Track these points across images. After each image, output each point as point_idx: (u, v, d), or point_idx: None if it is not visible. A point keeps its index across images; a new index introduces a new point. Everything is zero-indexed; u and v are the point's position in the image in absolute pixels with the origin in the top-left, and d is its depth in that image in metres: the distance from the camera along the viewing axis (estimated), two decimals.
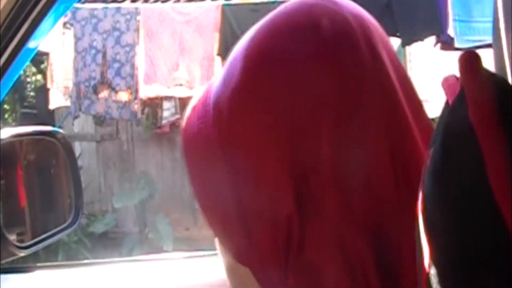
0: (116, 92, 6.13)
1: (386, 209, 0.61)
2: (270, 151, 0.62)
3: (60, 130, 1.52)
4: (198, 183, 0.68)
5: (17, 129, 1.41)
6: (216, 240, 0.70)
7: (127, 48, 6.06)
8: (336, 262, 0.61)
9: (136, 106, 6.15)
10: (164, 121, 7.46)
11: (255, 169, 0.62)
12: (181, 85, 5.99)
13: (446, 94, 0.57)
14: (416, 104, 0.66)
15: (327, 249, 0.61)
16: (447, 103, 0.57)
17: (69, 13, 6.11)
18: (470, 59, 0.48)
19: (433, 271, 0.44)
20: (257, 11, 5.37)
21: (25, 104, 9.18)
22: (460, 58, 0.49)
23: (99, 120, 6.89)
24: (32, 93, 9.31)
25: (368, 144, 0.61)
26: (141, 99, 6.16)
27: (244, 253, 0.65)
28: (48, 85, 6.74)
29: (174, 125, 7.74)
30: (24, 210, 1.46)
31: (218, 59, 5.90)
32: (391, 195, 0.61)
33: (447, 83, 0.59)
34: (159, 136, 7.91)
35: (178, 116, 7.48)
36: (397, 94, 0.63)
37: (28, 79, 9.22)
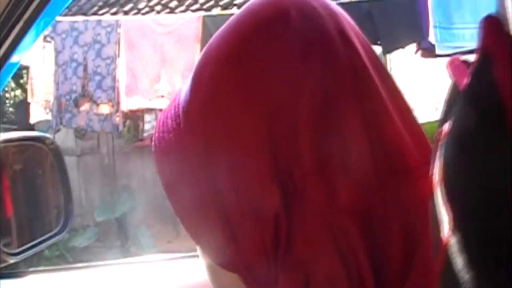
0: (98, 105, 6.10)
1: (371, 196, 0.60)
2: (250, 151, 0.61)
3: (49, 136, 1.50)
4: (176, 194, 0.66)
5: (5, 135, 1.39)
6: (199, 249, 0.68)
7: (108, 61, 6.04)
8: (328, 253, 0.60)
9: (118, 119, 6.13)
10: (145, 134, 7.44)
11: (237, 172, 0.61)
12: (162, 96, 5.97)
13: (453, 75, 0.57)
14: (396, 95, 0.65)
15: (317, 240, 0.60)
16: (454, 84, 0.57)
17: (49, 27, 6.09)
18: (493, 22, 0.48)
19: (453, 240, 0.44)
20: None
21: (4, 119, 9.12)
22: (483, 22, 0.48)
23: (80, 134, 6.85)
24: (11, 109, 9.25)
25: (345, 131, 0.60)
26: (122, 112, 6.13)
27: (231, 260, 0.64)
28: (29, 99, 6.69)
29: None
30: (12, 217, 1.44)
31: None
32: (374, 182, 0.60)
33: (453, 64, 0.58)
34: (140, 149, 7.88)
35: None
36: (373, 80, 0.63)
37: (7, 94, 9.16)
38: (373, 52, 0.66)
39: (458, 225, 0.44)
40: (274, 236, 0.61)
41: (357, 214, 0.60)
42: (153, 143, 0.67)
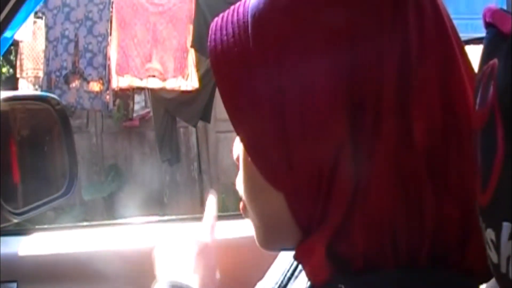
0: (88, 82, 6.06)
1: (440, 146, 0.61)
2: (328, 73, 0.60)
3: (55, 96, 1.49)
4: (236, 96, 0.65)
5: (9, 93, 1.38)
6: (241, 152, 0.68)
7: (100, 38, 6.00)
8: (391, 193, 0.60)
9: (108, 97, 6.10)
10: (135, 114, 7.43)
11: (307, 88, 0.60)
12: (153, 76, 5.95)
13: (494, 20, 0.58)
14: (467, 62, 0.67)
15: (382, 179, 0.60)
16: (491, 31, 0.58)
17: (41, 2, 6.04)
18: None
19: (508, 164, 0.45)
20: (232, 3, 5.34)
21: None
22: None
23: (69, 111, 6.81)
24: None
25: (423, 89, 0.61)
26: (113, 90, 6.10)
27: (281, 177, 0.63)
28: (18, 75, 6.64)
29: (143, 118, 7.71)
30: (18, 177, 1.43)
31: (191, 51, 5.87)
32: (442, 134, 0.62)
33: (490, 11, 0.60)
34: (129, 129, 7.86)
35: (148, 109, 7.44)
36: (453, 47, 0.65)
37: None
38: (451, 19, 0.67)
39: None
40: (332, 166, 0.60)
41: (425, 148, 0.61)
42: (208, 46, 0.66)
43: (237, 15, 0.66)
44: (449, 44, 0.64)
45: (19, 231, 1.46)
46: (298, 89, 0.61)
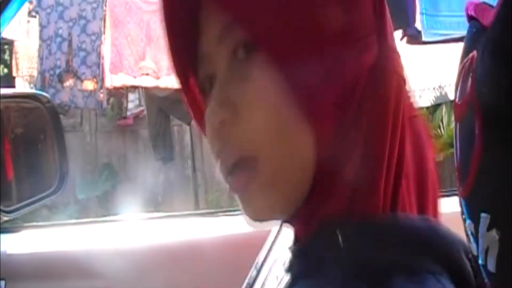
0: (82, 81, 6.05)
1: None
2: None
3: (45, 94, 1.50)
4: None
5: (1, 90, 1.38)
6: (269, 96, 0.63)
7: (93, 37, 5.99)
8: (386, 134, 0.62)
9: (102, 95, 6.09)
10: (128, 113, 7.43)
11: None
12: (147, 74, 5.94)
13: (475, 13, 0.59)
14: None
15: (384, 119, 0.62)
16: (473, 23, 0.59)
17: (34, 1, 6.03)
18: None
19: (486, 154, 0.45)
20: None
21: None
22: None
23: (63, 110, 6.80)
24: None
25: None
26: (106, 89, 6.10)
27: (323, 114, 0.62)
28: (14, 74, 6.64)
29: (137, 117, 7.71)
30: (10, 175, 1.44)
31: None
32: None
33: (472, 5, 0.60)
34: (122, 127, 7.86)
35: (142, 108, 7.45)
36: None
37: None
38: None
39: (492, 138, 0.45)
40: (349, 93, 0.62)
41: None
42: None
43: None
44: None
45: (6, 229, 1.46)
46: None
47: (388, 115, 0.62)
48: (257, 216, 0.67)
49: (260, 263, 0.86)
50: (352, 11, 0.64)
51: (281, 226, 0.86)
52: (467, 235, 0.55)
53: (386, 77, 0.63)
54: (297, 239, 0.68)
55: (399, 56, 0.67)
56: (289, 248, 0.68)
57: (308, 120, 0.61)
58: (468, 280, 0.59)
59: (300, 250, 0.65)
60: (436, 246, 0.59)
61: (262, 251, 0.92)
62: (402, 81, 0.66)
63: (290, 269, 0.65)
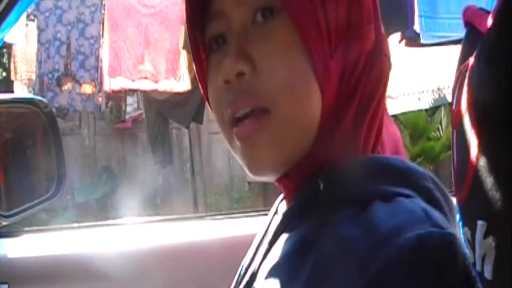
0: (80, 84, 6.05)
1: None
2: None
3: (42, 99, 1.50)
4: None
5: None
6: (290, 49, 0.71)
7: (92, 40, 5.99)
8: None
9: (100, 99, 6.09)
10: (127, 116, 7.42)
11: None
12: (146, 78, 5.94)
13: (472, 19, 0.59)
14: None
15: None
16: (470, 29, 0.59)
17: (32, 4, 6.02)
18: None
19: (482, 161, 0.45)
20: None
21: None
22: None
23: (62, 113, 6.79)
24: None
25: None
26: (105, 92, 6.09)
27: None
28: (12, 77, 6.63)
29: (136, 120, 7.70)
30: (7, 180, 1.44)
31: (183, 52, 5.86)
32: None
33: (469, 10, 0.60)
34: (121, 131, 7.86)
35: (140, 111, 7.44)
36: None
37: None
38: None
39: (488, 146, 0.45)
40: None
41: None
42: None
43: None
44: None
45: (8, 233, 1.46)
46: None
47: (377, 92, 0.70)
48: (260, 165, 0.72)
49: None
50: (360, 2, 0.73)
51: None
52: (464, 242, 0.54)
53: (380, 60, 0.71)
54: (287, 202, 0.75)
55: (388, 42, 0.75)
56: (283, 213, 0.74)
57: (318, 85, 0.69)
58: (437, 204, 0.63)
59: (291, 208, 0.72)
60: (407, 176, 0.65)
61: None
62: (390, 64, 0.73)
63: (282, 225, 0.72)
